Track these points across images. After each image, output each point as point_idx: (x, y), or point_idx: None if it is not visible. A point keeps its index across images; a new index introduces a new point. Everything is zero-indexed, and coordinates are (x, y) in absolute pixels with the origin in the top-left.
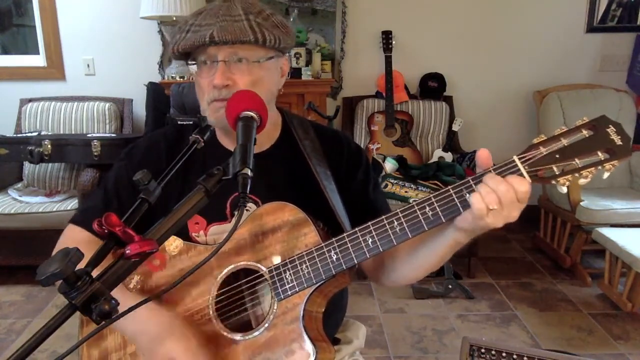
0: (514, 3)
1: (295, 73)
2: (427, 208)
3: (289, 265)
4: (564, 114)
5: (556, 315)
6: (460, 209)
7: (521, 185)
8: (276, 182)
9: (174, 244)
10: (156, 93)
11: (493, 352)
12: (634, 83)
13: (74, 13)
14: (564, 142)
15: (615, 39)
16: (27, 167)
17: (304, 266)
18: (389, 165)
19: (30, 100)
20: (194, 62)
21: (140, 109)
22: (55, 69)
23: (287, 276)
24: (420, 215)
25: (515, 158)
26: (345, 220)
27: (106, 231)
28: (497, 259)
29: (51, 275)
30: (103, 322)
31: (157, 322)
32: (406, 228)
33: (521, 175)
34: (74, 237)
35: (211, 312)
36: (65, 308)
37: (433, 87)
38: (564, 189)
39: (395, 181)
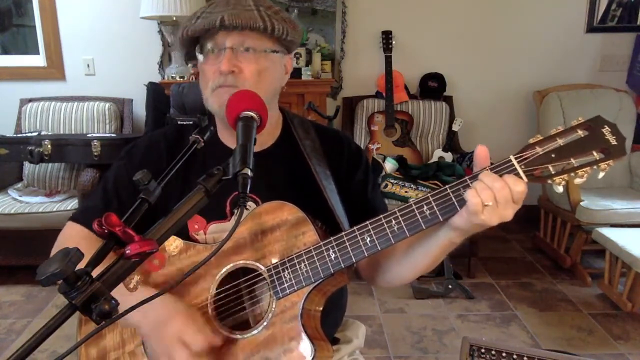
0: (514, 3)
1: (295, 73)
2: (425, 207)
3: (288, 264)
4: (564, 114)
5: (556, 315)
6: (458, 207)
7: (516, 185)
8: (276, 182)
9: (174, 244)
10: (156, 93)
11: (493, 352)
12: (634, 83)
13: (74, 13)
14: (560, 142)
15: (615, 39)
16: (27, 167)
17: (302, 265)
18: (389, 165)
19: (30, 100)
20: (200, 52)
21: (140, 109)
22: (55, 69)
23: (285, 275)
24: (418, 214)
25: (512, 157)
26: (344, 219)
27: (106, 231)
28: (497, 259)
29: (51, 275)
30: (103, 322)
31: (161, 304)
32: (404, 227)
33: (518, 174)
34: (74, 235)
35: (210, 311)
36: (65, 308)
37: (433, 87)
38: (560, 189)
39: (395, 181)
